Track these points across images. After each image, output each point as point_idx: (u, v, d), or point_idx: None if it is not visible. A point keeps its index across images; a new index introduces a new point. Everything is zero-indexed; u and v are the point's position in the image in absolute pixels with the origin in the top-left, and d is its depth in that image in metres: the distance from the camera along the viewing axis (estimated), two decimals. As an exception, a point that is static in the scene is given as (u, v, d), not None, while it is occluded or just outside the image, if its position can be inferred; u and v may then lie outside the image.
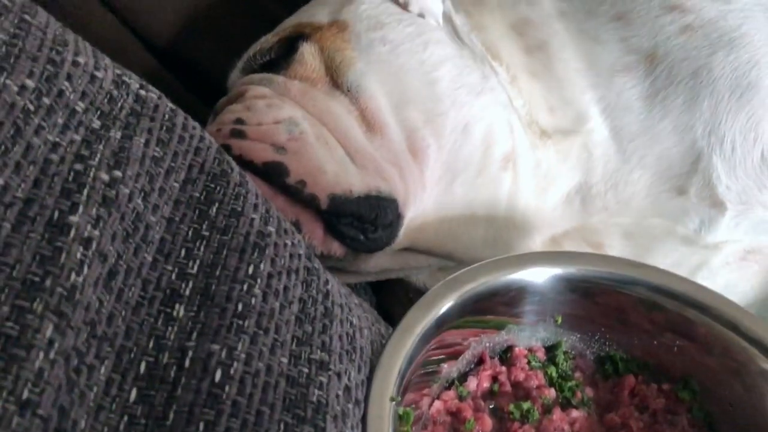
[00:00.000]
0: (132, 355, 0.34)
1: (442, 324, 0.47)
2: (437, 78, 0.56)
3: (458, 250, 0.59)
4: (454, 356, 0.50)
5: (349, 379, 0.40)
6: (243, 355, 0.35)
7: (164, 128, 0.40)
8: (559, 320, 0.52)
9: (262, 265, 0.39)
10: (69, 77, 0.36)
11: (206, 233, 0.39)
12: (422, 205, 0.56)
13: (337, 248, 0.53)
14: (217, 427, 0.32)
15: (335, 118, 0.53)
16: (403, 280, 0.64)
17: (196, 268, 0.37)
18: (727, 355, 0.47)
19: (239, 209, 0.41)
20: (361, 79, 0.54)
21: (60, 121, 0.35)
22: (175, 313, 0.35)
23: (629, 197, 0.59)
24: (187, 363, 0.34)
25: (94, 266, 0.32)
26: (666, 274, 0.50)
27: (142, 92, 0.41)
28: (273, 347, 0.36)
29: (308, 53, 0.56)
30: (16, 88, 0.34)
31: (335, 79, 0.55)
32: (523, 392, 0.50)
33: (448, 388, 0.49)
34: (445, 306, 0.47)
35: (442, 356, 0.49)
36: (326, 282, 0.44)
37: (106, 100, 0.38)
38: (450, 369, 0.50)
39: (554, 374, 0.51)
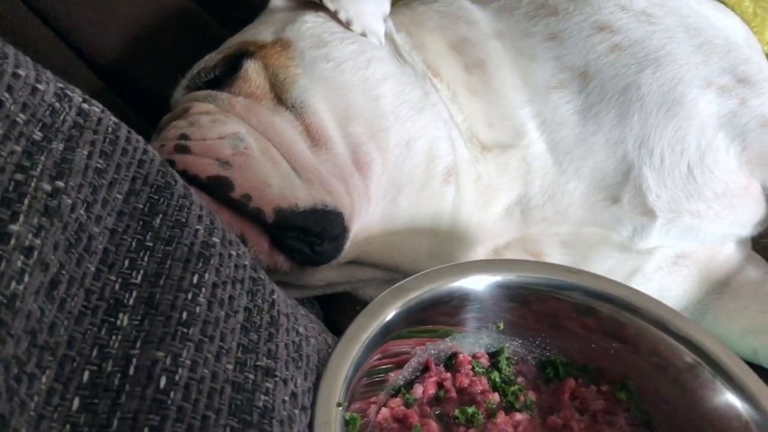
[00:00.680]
0: (75, 365, 0.33)
1: (388, 332, 0.48)
2: (380, 94, 0.57)
3: (404, 263, 0.60)
4: (400, 365, 0.51)
5: (295, 385, 0.40)
6: (188, 362, 0.35)
7: (107, 141, 0.40)
8: (501, 326, 0.53)
9: (206, 275, 0.39)
10: (9, 89, 0.36)
11: (150, 244, 0.39)
12: (368, 218, 0.57)
13: (283, 262, 0.53)
14: (162, 433, 0.32)
15: (280, 133, 0.54)
16: (351, 294, 0.65)
17: (140, 278, 0.38)
18: (656, 353, 0.49)
19: (183, 220, 0.41)
20: (305, 95, 0.55)
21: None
22: (119, 323, 0.36)
23: (566, 207, 0.62)
24: (131, 371, 0.34)
25: (35, 275, 0.32)
26: (600, 279, 0.52)
27: (85, 106, 0.41)
28: (218, 354, 0.37)
29: (252, 70, 0.57)
30: (-46, 99, 0.34)
31: (279, 95, 0.56)
32: (468, 397, 0.51)
33: (395, 395, 0.50)
34: (390, 314, 0.48)
35: (389, 365, 0.50)
36: (272, 292, 0.44)
37: (48, 113, 0.38)
38: (396, 377, 0.51)
39: (498, 379, 0.52)
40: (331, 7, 0.61)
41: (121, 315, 0.36)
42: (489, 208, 0.62)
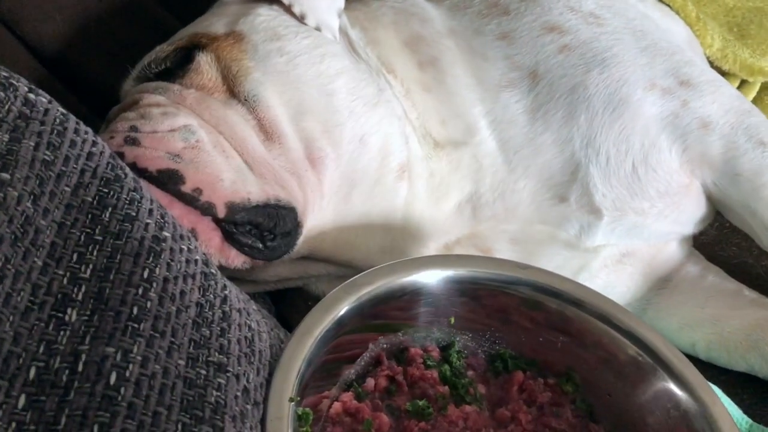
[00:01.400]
0: (21, 361, 0.33)
1: (341, 327, 0.48)
2: (334, 89, 0.57)
3: (356, 258, 0.60)
4: (352, 359, 0.51)
5: (248, 380, 0.40)
6: (139, 358, 0.35)
7: (55, 132, 0.39)
8: (452, 321, 0.54)
9: (157, 270, 0.39)
10: (-49, 77, 0.35)
11: (99, 237, 0.38)
12: (321, 213, 0.57)
13: (235, 257, 0.53)
14: (112, 429, 0.32)
15: (232, 127, 0.53)
16: (303, 289, 0.65)
17: (89, 272, 0.37)
18: (600, 347, 0.50)
19: (133, 214, 0.40)
20: (258, 88, 0.55)
21: (-58, 121, 0.34)
22: (67, 318, 0.35)
23: (515, 205, 0.63)
24: (80, 367, 0.33)
25: (-21, 269, 0.31)
26: (548, 274, 0.53)
27: (31, 96, 0.40)
28: (170, 350, 0.36)
29: (204, 62, 0.56)
30: None
31: (232, 88, 0.55)
32: (419, 391, 0.51)
33: (347, 389, 0.50)
34: (344, 309, 0.48)
35: (341, 359, 0.50)
36: (224, 287, 0.44)
37: (-8, 103, 0.37)
38: (348, 371, 0.51)
39: (448, 373, 0.53)
40: (285, 0, 0.61)
41: (69, 310, 0.35)
42: (441, 205, 0.63)
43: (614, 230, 0.64)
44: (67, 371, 0.33)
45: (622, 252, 0.66)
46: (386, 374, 0.52)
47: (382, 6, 0.68)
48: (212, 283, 0.43)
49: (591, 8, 0.66)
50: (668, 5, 0.77)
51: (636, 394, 0.50)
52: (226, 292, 0.44)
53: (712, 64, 0.77)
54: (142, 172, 0.49)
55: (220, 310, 0.42)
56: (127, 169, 0.43)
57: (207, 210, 0.50)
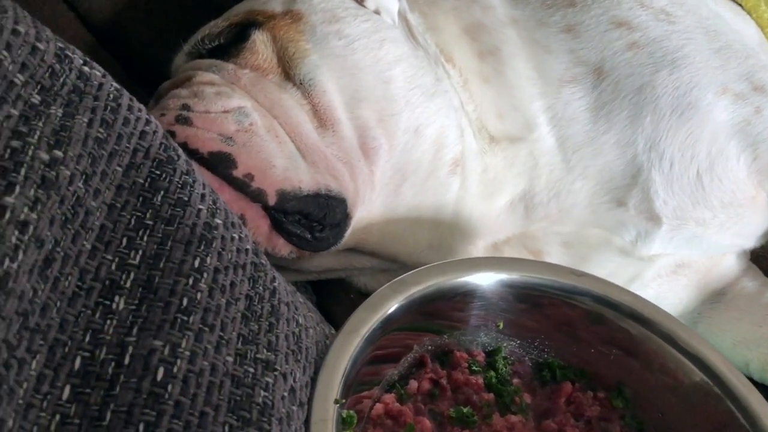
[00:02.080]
0: (66, 350, 0.31)
1: (387, 326, 0.46)
2: (392, 77, 0.55)
3: (402, 253, 0.58)
4: (396, 358, 0.50)
5: (294, 380, 0.38)
6: (187, 353, 0.33)
7: (108, 108, 0.38)
8: (501, 326, 0.52)
9: (208, 259, 0.37)
10: (8, 46, 0.33)
11: (150, 222, 0.37)
12: (370, 205, 0.55)
13: (282, 246, 0.51)
14: (157, 429, 0.30)
15: (286, 111, 0.51)
16: (344, 281, 0.63)
17: (138, 258, 0.35)
18: (665, 371, 0.48)
19: (186, 199, 0.39)
20: (314, 72, 0.53)
21: (-4, 93, 0.32)
22: (114, 306, 0.33)
23: (570, 206, 0.60)
24: (126, 360, 0.32)
25: (30, 252, 0.30)
26: (606, 284, 0.51)
27: (86, 69, 0.38)
28: (218, 345, 0.35)
29: (260, 42, 0.54)
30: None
31: (287, 70, 0.53)
32: (463, 396, 0.50)
33: (389, 390, 0.49)
34: (391, 308, 0.46)
35: (384, 358, 0.48)
36: (273, 279, 0.42)
37: (47, 75, 0.35)
38: (391, 372, 0.49)
39: (494, 379, 0.51)
40: (345, -20, 0.58)
41: (117, 298, 0.34)
42: (493, 202, 0.60)
43: (672, 239, 0.61)
44: (113, 363, 0.32)
45: (678, 262, 0.64)
46: (430, 377, 0.50)
47: (442, -10, 0.65)
48: (262, 274, 0.41)
49: (662, 4, 0.62)
50: (740, 5, 0.73)
51: (694, 414, 0.47)
52: (275, 284, 0.42)
53: (783, 70, 0.73)
54: (192, 153, 0.47)
55: (269, 304, 0.40)
56: (180, 151, 0.41)
57: (257, 197, 0.48)
